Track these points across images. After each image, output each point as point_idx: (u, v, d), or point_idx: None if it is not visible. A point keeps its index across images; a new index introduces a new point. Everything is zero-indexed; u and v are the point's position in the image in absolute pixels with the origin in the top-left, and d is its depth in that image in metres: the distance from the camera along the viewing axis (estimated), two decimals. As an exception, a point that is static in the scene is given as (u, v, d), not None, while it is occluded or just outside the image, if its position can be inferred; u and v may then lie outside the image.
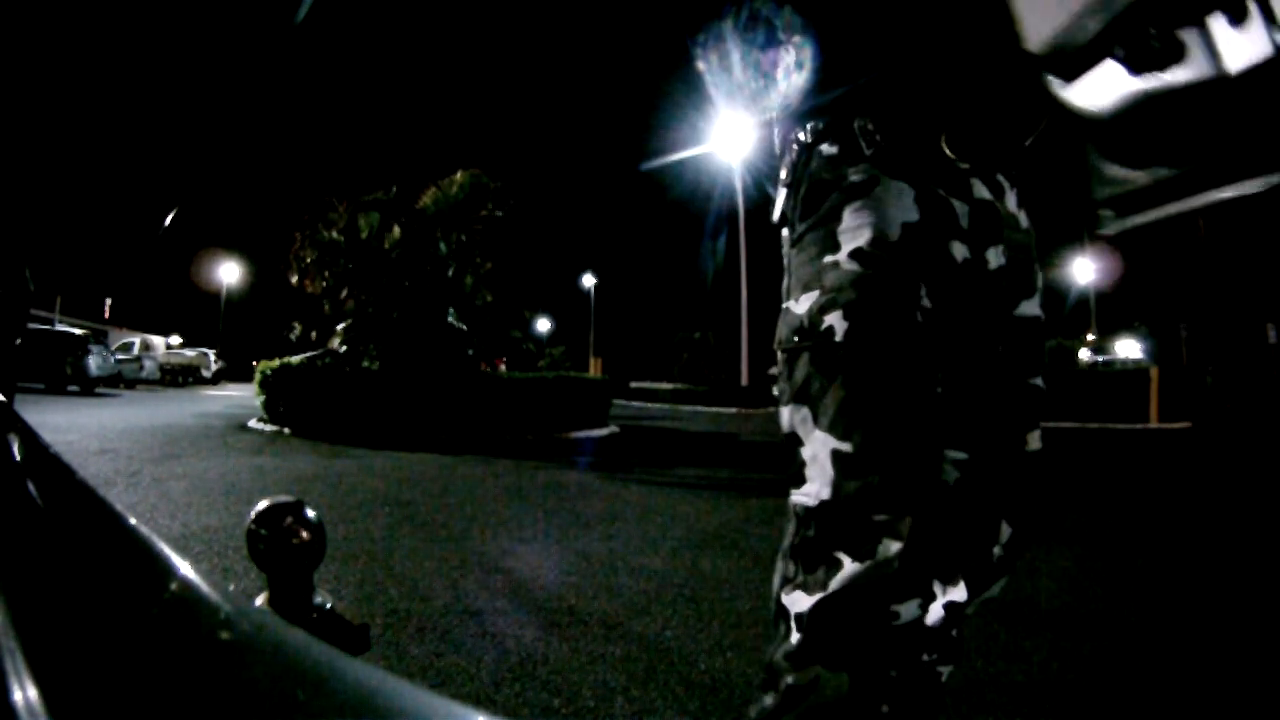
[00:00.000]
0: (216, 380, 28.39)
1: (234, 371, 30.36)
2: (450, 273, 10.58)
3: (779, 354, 0.90)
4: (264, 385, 9.28)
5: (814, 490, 0.82)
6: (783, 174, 0.97)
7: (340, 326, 10.62)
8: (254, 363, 11.77)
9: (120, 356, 20.22)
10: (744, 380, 23.89)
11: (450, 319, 10.27)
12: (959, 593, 0.86)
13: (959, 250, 0.86)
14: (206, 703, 0.19)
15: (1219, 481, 5.91)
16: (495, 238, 11.04)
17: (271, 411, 9.10)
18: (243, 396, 16.73)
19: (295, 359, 9.73)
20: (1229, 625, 2.23)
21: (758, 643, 2.00)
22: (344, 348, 10.39)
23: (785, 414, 0.87)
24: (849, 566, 0.79)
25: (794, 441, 0.85)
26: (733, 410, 19.49)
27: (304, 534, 0.85)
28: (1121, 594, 2.54)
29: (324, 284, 10.34)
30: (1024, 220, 0.96)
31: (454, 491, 4.60)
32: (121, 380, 19.48)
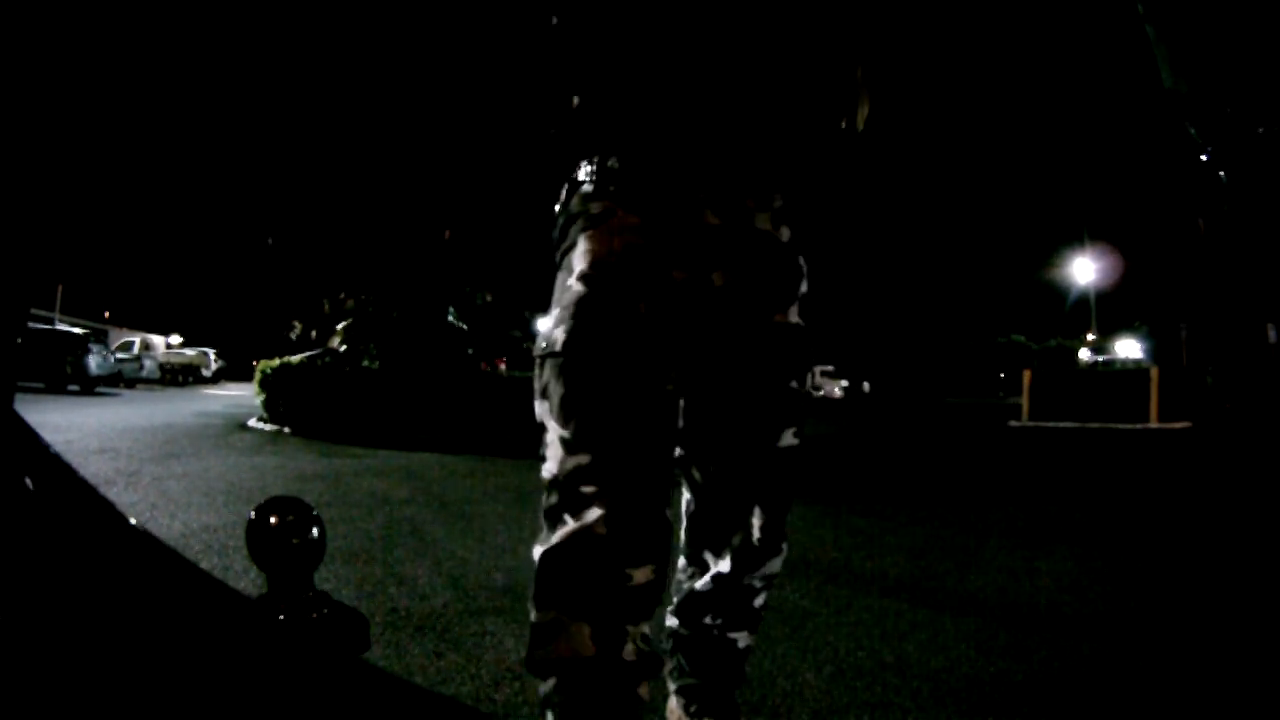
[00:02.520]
0: (216, 379, 28.39)
1: (234, 371, 30.36)
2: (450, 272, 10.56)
3: (534, 359, 1.07)
4: (264, 384, 9.28)
5: (550, 467, 1.00)
6: (557, 206, 1.13)
7: (340, 326, 10.62)
8: (254, 362, 11.76)
9: (120, 356, 20.22)
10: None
11: (450, 318, 10.27)
12: (724, 565, 1.13)
13: (680, 271, 1.01)
14: (208, 700, 0.19)
15: (1219, 481, 5.91)
16: (494, 237, 11.02)
17: (271, 411, 9.10)
18: (243, 396, 16.72)
19: (295, 358, 9.73)
20: (1229, 625, 2.23)
21: (759, 641, 1.99)
22: (344, 347, 10.39)
23: (536, 407, 1.03)
24: (569, 525, 0.97)
25: (541, 429, 1.03)
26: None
27: (304, 533, 0.85)
28: (1121, 594, 2.55)
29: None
30: (785, 234, 1.09)
31: (454, 491, 4.61)
32: (121, 379, 19.48)
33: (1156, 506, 4.63)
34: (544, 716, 0.99)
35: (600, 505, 0.95)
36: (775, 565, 1.16)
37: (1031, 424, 13.23)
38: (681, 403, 1.08)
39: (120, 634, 0.19)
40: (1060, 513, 4.18)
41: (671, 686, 1.26)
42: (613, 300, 0.99)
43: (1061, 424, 12.79)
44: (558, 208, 1.13)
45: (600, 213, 1.03)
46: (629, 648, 0.96)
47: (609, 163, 1.05)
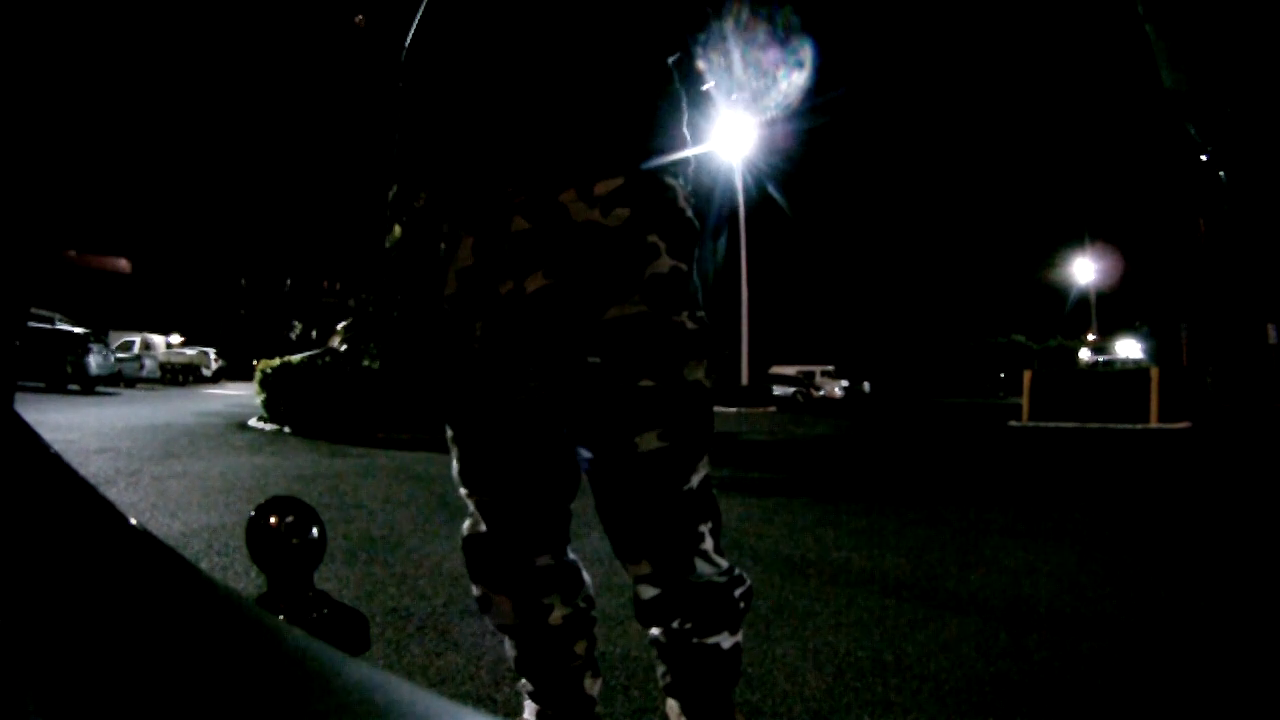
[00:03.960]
0: (217, 379, 28.38)
1: (234, 370, 30.35)
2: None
3: None
4: (264, 384, 9.28)
5: (452, 462, 1.13)
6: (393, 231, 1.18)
7: (341, 325, 10.62)
8: (254, 361, 11.76)
9: (120, 355, 20.21)
10: (744, 380, 23.86)
11: (450, 318, 10.24)
12: (645, 568, 1.07)
13: (504, 283, 1.00)
14: (207, 701, 0.19)
15: (1219, 481, 5.91)
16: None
17: (272, 410, 9.10)
18: (243, 395, 16.72)
19: (296, 358, 9.72)
20: (1229, 625, 2.23)
21: (758, 641, 2.00)
22: (344, 346, 10.39)
23: None
24: (467, 520, 1.14)
25: None
26: (733, 410, 19.48)
27: (304, 533, 0.85)
28: (1121, 594, 2.54)
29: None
30: (619, 216, 0.98)
31: (454, 490, 4.60)
32: (122, 379, 19.47)
33: (1156, 506, 4.63)
34: (520, 681, 1.21)
35: (477, 508, 1.11)
36: (704, 568, 1.05)
37: (1031, 424, 13.23)
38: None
39: (120, 634, 0.19)
40: (1060, 513, 4.18)
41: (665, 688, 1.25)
42: (455, 330, 1.04)
43: (1061, 424, 12.79)
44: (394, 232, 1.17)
45: (449, 236, 1.06)
46: (555, 614, 1.12)
47: (419, 192, 1.09)
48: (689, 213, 1.05)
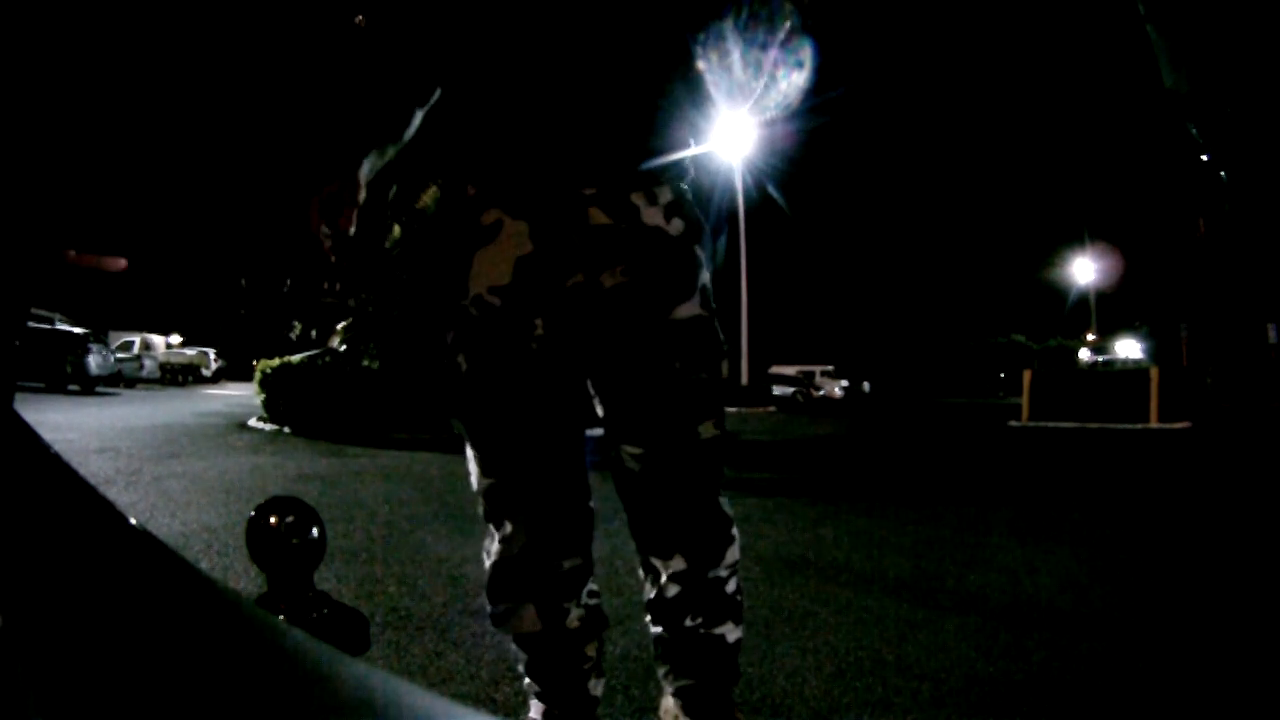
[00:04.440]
0: (216, 379, 28.38)
1: (234, 370, 30.34)
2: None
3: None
4: (264, 384, 9.27)
5: (473, 480, 1.14)
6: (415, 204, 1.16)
7: (340, 325, 10.62)
8: (254, 362, 11.76)
9: (120, 355, 20.21)
10: (744, 380, 23.86)
11: (450, 318, 10.24)
12: (679, 564, 1.12)
13: (573, 277, 1.02)
14: (207, 701, 0.19)
15: (1219, 481, 5.91)
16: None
17: (272, 410, 9.10)
18: (243, 395, 16.72)
19: (295, 358, 9.72)
20: (1229, 625, 2.23)
21: (758, 641, 2.00)
22: (344, 346, 10.39)
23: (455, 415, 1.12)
24: (498, 535, 1.14)
25: (461, 438, 1.14)
26: (733, 409, 19.49)
27: (304, 533, 0.85)
28: (1121, 594, 2.54)
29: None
30: (677, 227, 1.07)
31: (454, 490, 4.60)
32: (121, 379, 19.47)
33: (1156, 506, 4.63)
34: (526, 681, 1.23)
35: (512, 520, 1.11)
36: (734, 553, 1.16)
37: (1031, 424, 13.23)
38: (600, 400, 1.12)
39: (120, 634, 0.19)
40: (1060, 512, 4.18)
41: (668, 689, 1.25)
42: (512, 324, 1.02)
43: (1061, 424, 12.78)
44: (422, 205, 1.16)
45: (491, 224, 1.02)
46: (571, 616, 1.15)
47: (485, 168, 1.05)
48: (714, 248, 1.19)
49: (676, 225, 1.06)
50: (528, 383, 1.04)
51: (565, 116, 1.01)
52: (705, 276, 1.09)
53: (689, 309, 1.06)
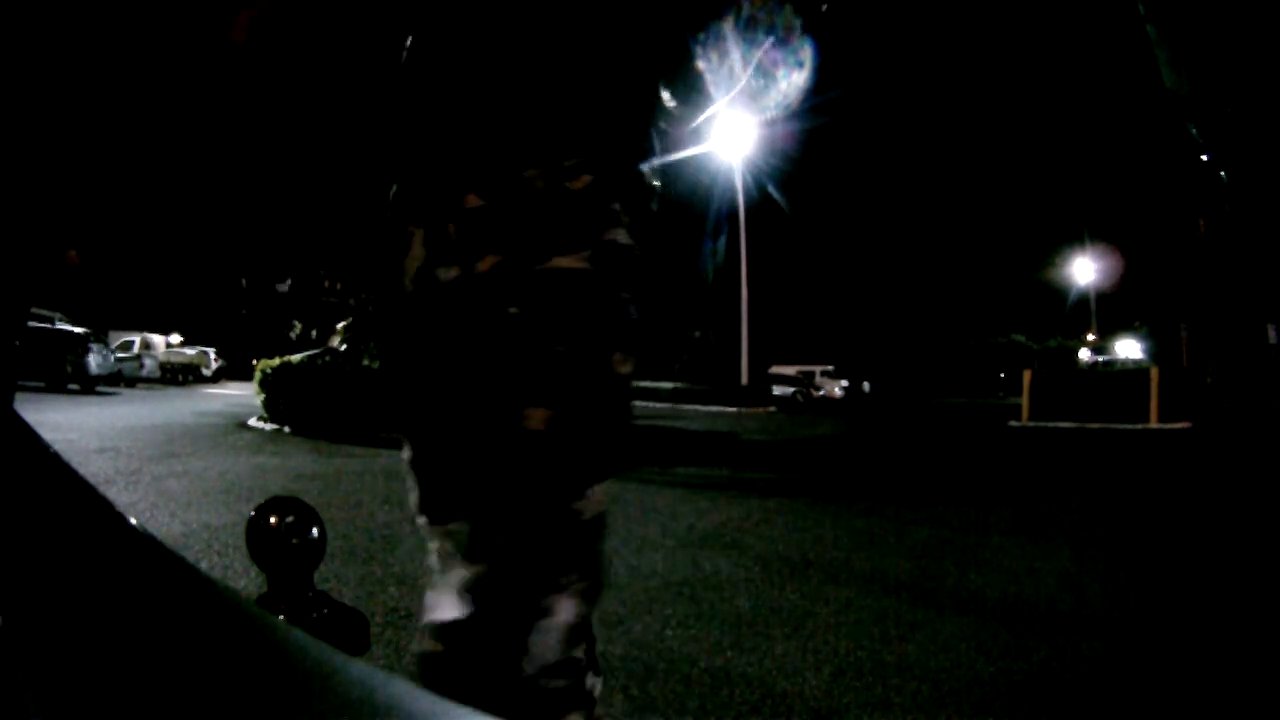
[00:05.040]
0: (217, 378, 28.39)
1: (234, 370, 30.36)
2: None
3: None
4: (264, 384, 9.28)
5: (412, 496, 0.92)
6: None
7: (340, 325, 10.62)
8: (254, 361, 11.77)
9: (120, 355, 20.23)
10: (744, 380, 23.87)
11: (450, 318, 10.25)
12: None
13: (449, 270, 0.85)
14: (207, 701, 0.19)
15: (1219, 481, 5.91)
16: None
17: (272, 410, 9.10)
18: (243, 395, 16.72)
19: (295, 357, 9.72)
20: (1229, 625, 2.23)
21: (758, 641, 2.00)
22: (344, 346, 10.39)
23: None
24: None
25: None
26: (733, 410, 19.48)
27: (304, 533, 0.85)
28: (1121, 594, 2.54)
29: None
30: (583, 182, 0.85)
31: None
32: (122, 378, 19.48)
33: (1156, 506, 4.62)
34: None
35: (456, 544, 0.88)
36: (544, 651, 0.76)
37: (1031, 424, 13.23)
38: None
39: (120, 634, 0.19)
40: (1060, 513, 4.18)
41: None
42: (401, 325, 0.89)
43: (1061, 424, 12.79)
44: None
45: (396, 234, 0.90)
46: None
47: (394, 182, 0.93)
48: (654, 205, 0.94)
49: (584, 179, 0.85)
50: (419, 371, 0.89)
51: (462, 110, 0.88)
52: (620, 236, 0.85)
53: (571, 260, 0.81)
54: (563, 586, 0.77)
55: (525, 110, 0.87)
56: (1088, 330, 38.97)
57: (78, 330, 15.39)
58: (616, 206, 0.86)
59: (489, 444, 0.80)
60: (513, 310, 0.80)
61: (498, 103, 0.87)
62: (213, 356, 29.27)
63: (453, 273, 0.83)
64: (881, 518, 3.94)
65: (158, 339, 27.59)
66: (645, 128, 0.95)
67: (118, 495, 4.01)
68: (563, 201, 0.84)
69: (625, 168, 0.91)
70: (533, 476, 0.78)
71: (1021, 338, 46.23)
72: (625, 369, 0.84)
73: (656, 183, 0.98)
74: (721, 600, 2.40)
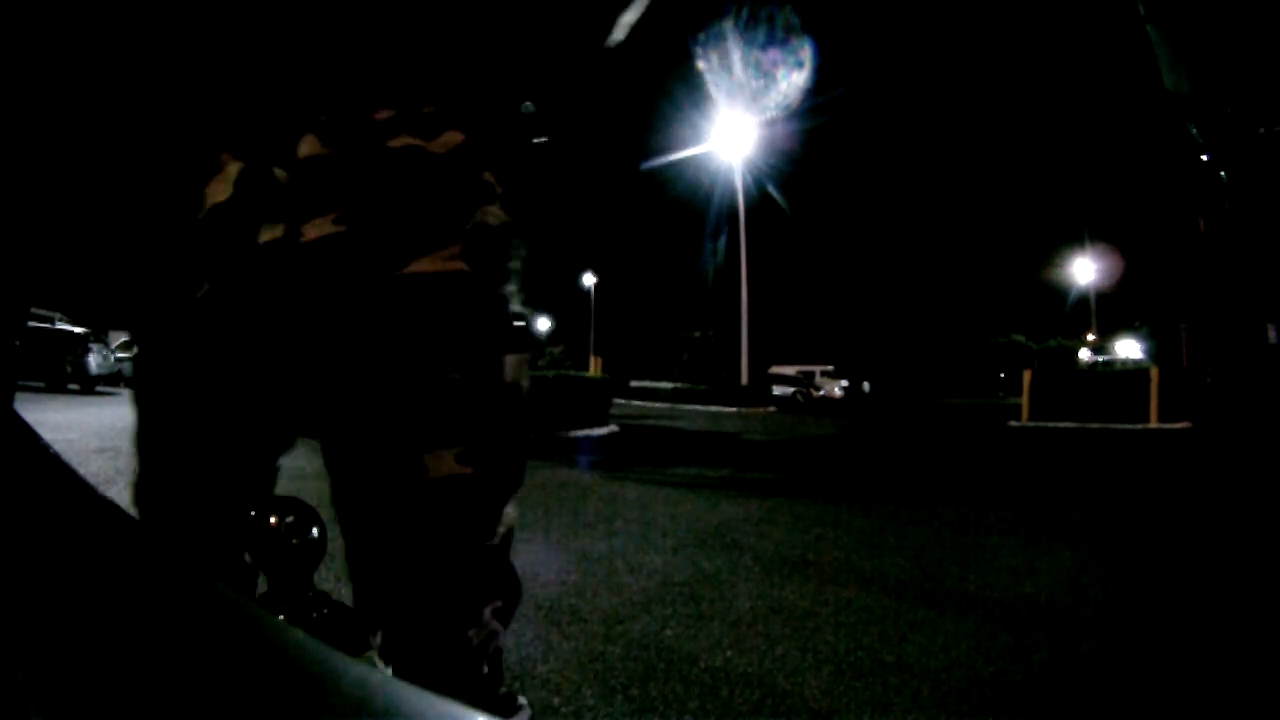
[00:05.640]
0: (216, 379, 28.34)
1: (234, 370, 30.28)
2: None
3: None
4: (264, 384, 9.27)
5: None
6: None
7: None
8: (254, 362, 11.73)
9: (121, 355, 20.23)
10: (744, 380, 23.87)
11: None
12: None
13: (270, 229, 0.68)
14: (207, 701, 0.19)
15: (1219, 481, 5.91)
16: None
17: (271, 410, 9.09)
18: (243, 395, 16.67)
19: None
20: (1228, 625, 2.23)
21: (759, 641, 2.00)
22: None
23: None
24: None
25: None
26: (733, 410, 19.49)
27: (304, 533, 0.85)
28: (1121, 594, 2.54)
29: None
30: (451, 142, 0.70)
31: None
32: (121, 379, 19.47)
33: (1156, 506, 4.62)
34: None
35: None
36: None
37: (1031, 424, 13.23)
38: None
39: (119, 634, 0.19)
40: (1060, 513, 4.18)
41: None
42: (168, 293, 0.69)
43: (1061, 424, 12.79)
44: None
45: (200, 154, 0.71)
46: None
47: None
48: (533, 170, 0.78)
49: (449, 140, 0.69)
50: (175, 363, 0.71)
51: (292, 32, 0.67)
52: (494, 216, 0.70)
53: (440, 261, 0.66)
54: (481, 612, 0.68)
55: (382, 25, 0.68)
56: (1088, 330, 38.97)
57: (78, 330, 15.39)
58: (489, 176, 0.72)
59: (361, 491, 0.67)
60: (371, 324, 0.65)
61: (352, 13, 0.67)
62: (213, 356, 29.25)
63: (276, 232, 0.66)
64: (881, 518, 3.94)
65: (158, 339, 27.55)
66: (525, 60, 0.75)
67: (118, 496, 3.99)
68: (425, 171, 0.68)
69: (498, 121, 0.74)
70: (439, 523, 0.66)
71: (1021, 338, 46.23)
72: (519, 375, 0.71)
73: (541, 138, 0.80)
74: (721, 600, 2.40)
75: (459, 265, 0.67)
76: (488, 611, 0.69)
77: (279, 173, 0.66)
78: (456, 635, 0.67)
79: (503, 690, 0.75)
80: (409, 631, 0.67)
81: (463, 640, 0.67)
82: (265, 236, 0.66)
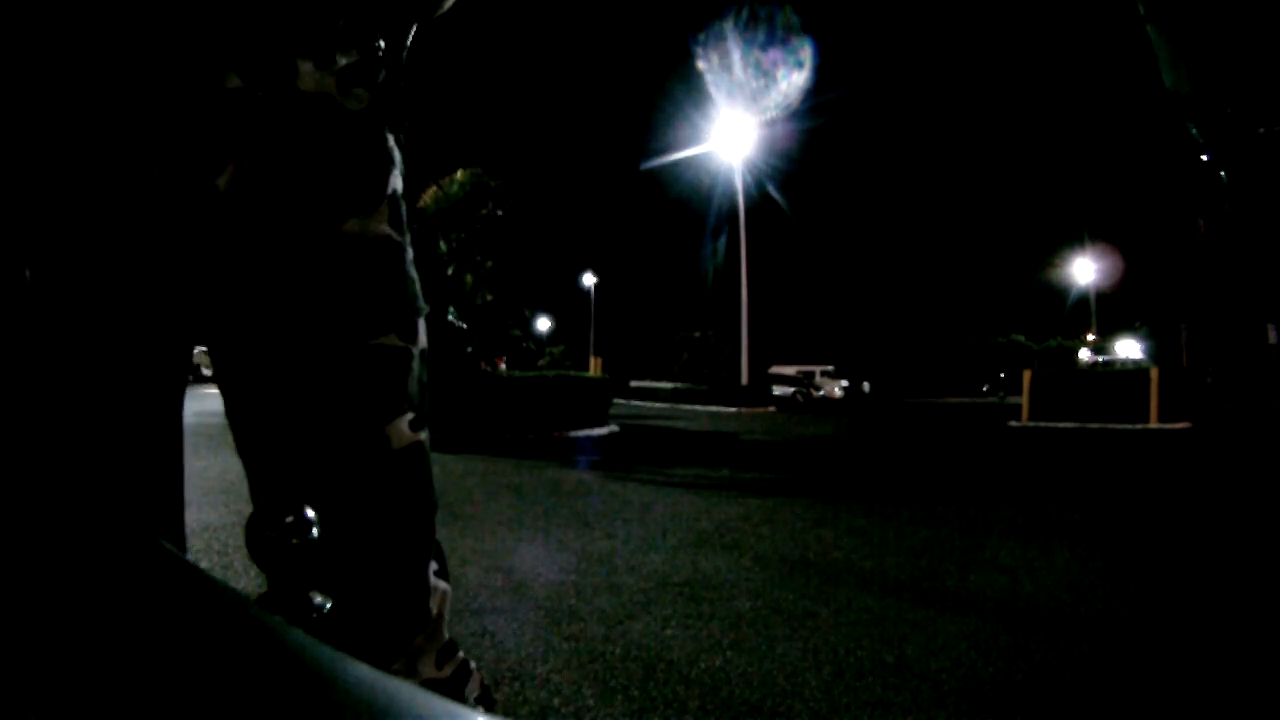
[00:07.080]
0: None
1: (234, 370, 30.32)
2: (450, 271, 10.58)
3: None
4: (264, 384, 9.28)
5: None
6: None
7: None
8: (254, 361, 11.76)
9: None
10: (744, 379, 23.87)
11: (450, 317, 10.27)
12: None
13: (173, 171, 0.64)
14: (207, 701, 0.19)
15: (1218, 482, 5.91)
16: (495, 236, 11.05)
17: (271, 410, 9.10)
18: (243, 395, 16.70)
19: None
20: (1228, 625, 2.23)
21: (758, 641, 2.00)
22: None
23: None
24: None
25: None
26: (733, 409, 19.49)
27: (304, 533, 0.85)
28: (1121, 594, 2.54)
29: None
30: (362, 100, 0.68)
31: (454, 490, 4.60)
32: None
33: (1156, 506, 4.62)
34: None
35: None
36: (423, 668, 0.69)
37: (1031, 424, 13.23)
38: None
39: (119, 634, 0.19)
40: (1060, 512, 4.18)
41: None
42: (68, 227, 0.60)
43: (1061, 424, 12.79)
44: None
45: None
46: None
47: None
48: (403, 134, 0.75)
49: (360, 96, 0.66)
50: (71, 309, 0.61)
51: None
52: (397, 180, 0.69)
53: (371, 223, 0.65)
54: (429, 573, 0.68)
55: None
56: (1088, 330, 38.96)
57: None
58: (392, 144, 0.70)
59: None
60: (308, 279, 0.63)
61: None
62: (213, 356, 29.28)
63: (174, 175, 0.61)
64: (881, 518, 3.94)
65: (158, 339, 27.58)
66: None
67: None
68: (345, 127, 0.65)
69: (395, 87, 0.71)
70: (401, 499, 0.66)
71: (1021, 338, 46.22)
72: (423, 346, 0.69)
73: (407, 100, 0.76)
74: (721, 600, 2.40)
75: (385, 230, 0.67)
76: (431, 573, 0.68)
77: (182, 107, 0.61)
78: (415, 600, 0.66)
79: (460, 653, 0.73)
80: (367, 590, 0.64)
81: (422, 596, 0.66)
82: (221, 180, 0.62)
